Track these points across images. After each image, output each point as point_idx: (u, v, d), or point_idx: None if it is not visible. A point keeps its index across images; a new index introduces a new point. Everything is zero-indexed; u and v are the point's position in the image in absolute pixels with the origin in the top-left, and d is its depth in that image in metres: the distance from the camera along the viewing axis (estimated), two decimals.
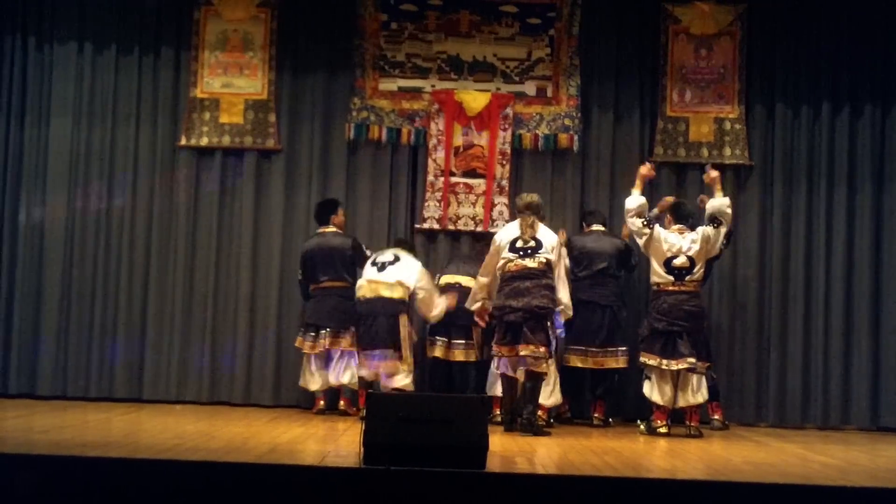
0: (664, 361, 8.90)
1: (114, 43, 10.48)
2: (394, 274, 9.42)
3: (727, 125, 10.42)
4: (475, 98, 10.44)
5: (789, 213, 10.39)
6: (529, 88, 10.52)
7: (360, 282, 9.50)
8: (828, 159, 10.39)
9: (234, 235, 10.42)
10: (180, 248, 10.37)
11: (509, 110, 10.44)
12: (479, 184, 10.38)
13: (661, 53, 10.54)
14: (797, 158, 10.43)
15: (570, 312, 8.97)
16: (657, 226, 9.23)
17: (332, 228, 9.89)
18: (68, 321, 10.29)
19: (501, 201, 10.35)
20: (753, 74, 10.50)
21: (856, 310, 10.26)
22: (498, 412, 9.15)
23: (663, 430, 8.96)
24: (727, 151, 10.39)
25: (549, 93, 10.52)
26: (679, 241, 9.11)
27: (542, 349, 8.52)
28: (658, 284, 9.11)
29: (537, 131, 10.45)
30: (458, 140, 10.44)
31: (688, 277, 9.04)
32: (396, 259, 9.53)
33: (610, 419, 9.51)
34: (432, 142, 10.43)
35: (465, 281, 9.59)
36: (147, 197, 10.43)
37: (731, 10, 10.47)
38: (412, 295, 9.43)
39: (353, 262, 9.75)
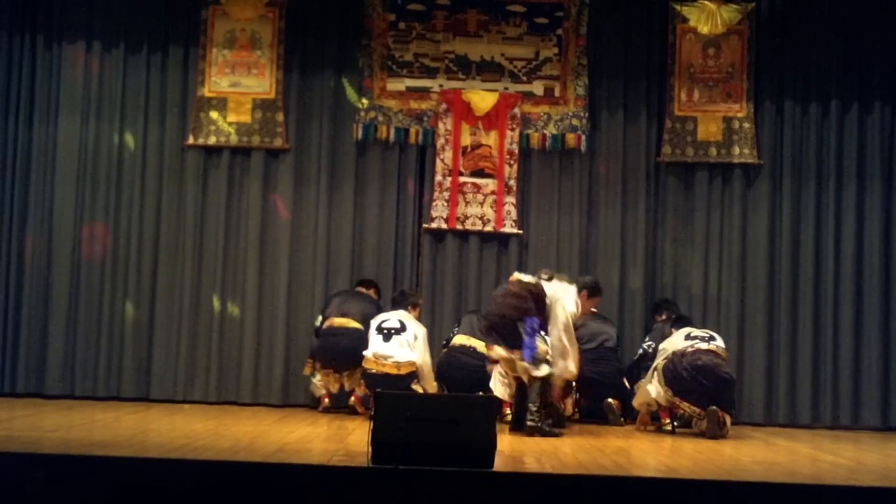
0: (675, 399, 8.83)
1: (122, 42, 10.49)
2: (399, 350, 9.22)
3: (735, 124, 10.40)
4: (483, 98, 10.43)
5: (798, 212, 10.37)
6: (537, 88, 10.51)
7: (367, 351, 9.32)
8: (837, 158, 10.37)
9: (242, 235, 10.42)
10: (188, 247, 10.37)
11: (517, 110, 10.43)
12: (487, 183, 10.37)
13: (669, 53, 10.53)
14: (806, 157, 10.41)
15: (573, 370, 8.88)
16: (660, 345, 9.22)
17: (364, 290, 9.97)
18: (76, 320, 10.29)
19: (509, 201, 10.34)
20: (762, 73, 10.48)
21: (866, 308, 10.24)
22: (508, 411, 9.13)
23: (667, 427, 8.95)
24: (735, 150, 10.38)
25: (557, 92, 10.50)
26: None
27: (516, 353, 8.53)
28: (690, 345, 8.91)
29: (545, 131, 10.44)
30: (466, 140, 10.43)
31: (714, 343, 8.90)
32: (402, 327, 9.34)
33: (622, 418, 9.47)
34: (440, 141, 10.42)
35: (480, 346, 9.29)
36: (155, 195, 10.43)
37: (739, 8, 10.46)
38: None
39: (374, 309, 9.69)
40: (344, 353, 9.46)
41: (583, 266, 10.37)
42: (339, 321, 9.57)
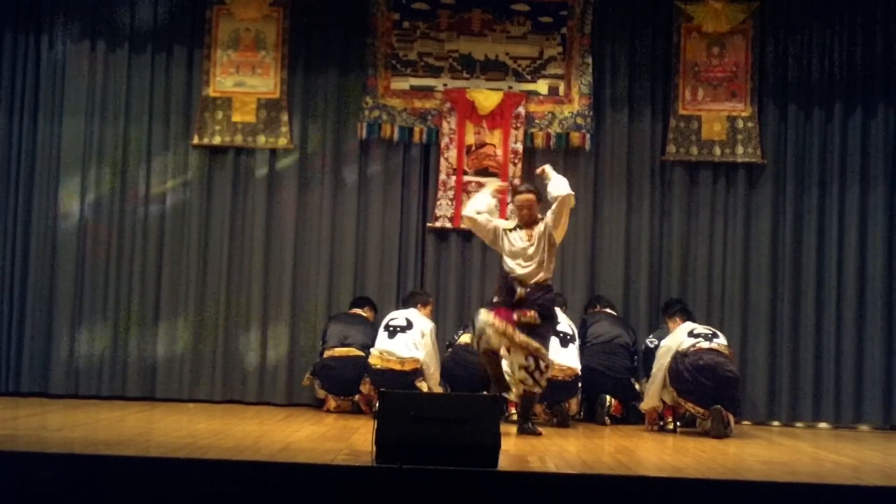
0: (679, 399, 8.81)
1: (126, 41, 10.50)
2: (403, 347, 9.31)
3: (739, 123, 10.39)
4: (487, 97, 10.43)
5: (801, 212, 10.37)
6: (541, 87, 10.51)
7: (373, 349, 9.44)
8: (840, 159, 10.36)
9: (247, 234, 10.43)
10: (192, 247, 10.39)
11: (521, 109, 10.43)
12: (491, 182, 10.36)
13: (674, 52, 10.53)
14: (810, 157, 10.41)
15: None
16: (659, 343, 9.16)
17: (361, 312, 9.99)
18: (80, 320, 10.30)
19: None
20: (766, 73, 10.48)
21: (868, 309, 10.24)
22: (514, 410, 9.10)
23: (670, 426, 8.94)
24: (739, 150, 10.38)
25: (562, 91, 10.50)
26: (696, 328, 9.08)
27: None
28: (693, 343, 8.88)
29: (549, 130, 10.44)
30: (471, 139, 10.44)
31: (716, 341, 8.90)
32: (409, 325, 9.42)
33: (608, 419, 9.39)
34: (444, 140, 10.43)
35: None
36: (159, 195, 10.44)
37: (744, 8, 10.45)
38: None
39: (372, 333, 9.68)
40: (347, 382, 9.55)
41: (588, 264, 10.39)
42: (340, 351, 9.60)
